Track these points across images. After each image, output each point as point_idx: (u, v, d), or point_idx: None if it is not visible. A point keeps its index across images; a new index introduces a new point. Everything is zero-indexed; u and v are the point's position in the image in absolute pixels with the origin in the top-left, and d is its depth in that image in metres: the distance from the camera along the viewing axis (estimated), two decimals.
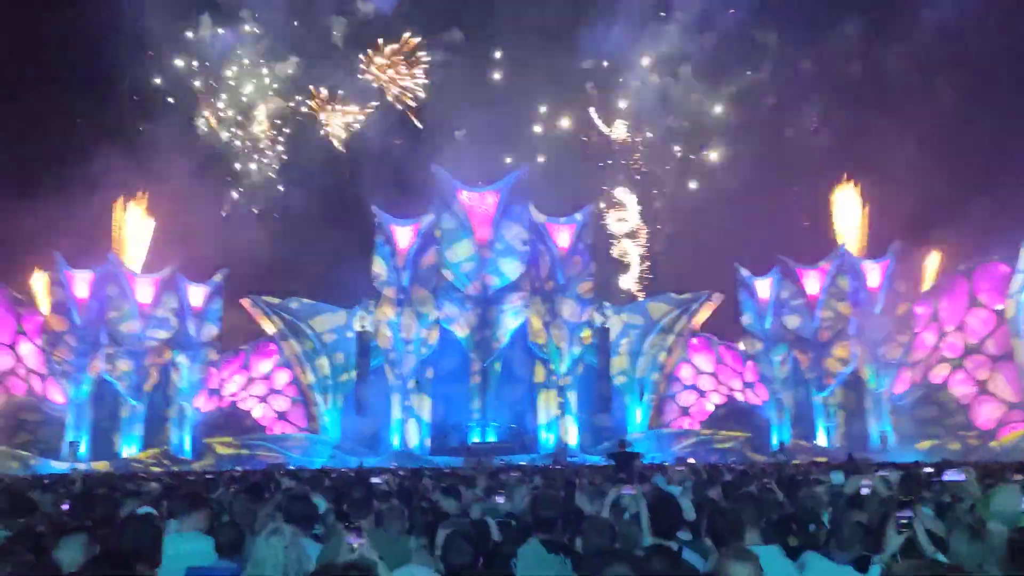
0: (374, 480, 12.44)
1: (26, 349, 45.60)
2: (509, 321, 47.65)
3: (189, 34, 48.84)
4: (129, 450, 45.50)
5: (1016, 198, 43.03)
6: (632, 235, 55.23)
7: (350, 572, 3.63)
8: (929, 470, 14.30)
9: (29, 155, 46.98)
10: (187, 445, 47.16)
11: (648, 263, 55.42)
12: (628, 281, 54.38)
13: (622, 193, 53.57)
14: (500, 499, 8.99)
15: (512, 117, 53.24)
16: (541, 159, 51.69)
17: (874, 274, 48.08)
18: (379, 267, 48.08)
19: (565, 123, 56.46)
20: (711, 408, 51.41)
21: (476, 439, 45.90)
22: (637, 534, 5.72)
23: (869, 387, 47.59)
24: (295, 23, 51.81)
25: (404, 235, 48.58)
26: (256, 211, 51.75)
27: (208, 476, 20.84)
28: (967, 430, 45.14)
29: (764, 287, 49.61)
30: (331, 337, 49.73)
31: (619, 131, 51.52)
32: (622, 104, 53.71)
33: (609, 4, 50.90)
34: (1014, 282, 43.95)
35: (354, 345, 48.23)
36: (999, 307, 45.09)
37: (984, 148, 46.48)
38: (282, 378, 50.78)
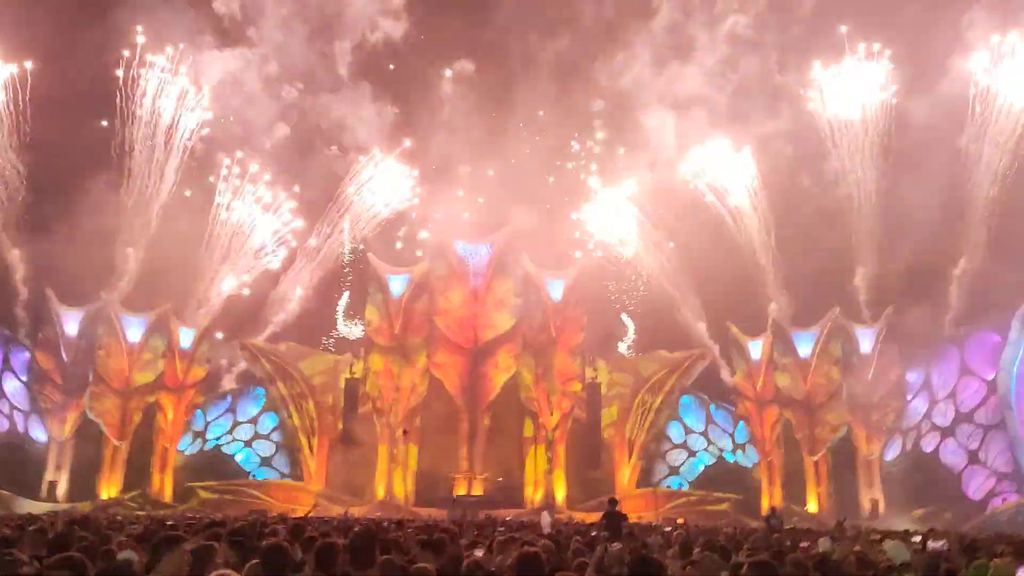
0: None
1: (11, 385, 45.10)
2: (500, 373, 47.40)
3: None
4: (110, 492, 44.72)
5: (1009, 268, 43.46)
6: (627, 292, 55.33)
7: None
8: (917, 539, 14.15)
9: (24, 189, 47.10)
10: (168, 488, 46.39)
11: (641, 320, 55.42)
12: (623, 340, 54.23)
13: (621, 247, 53.82)
14: (479, 552, 8.83)
15: (511, 167, 53.68)
16: (538, 210, 52.01)
17: (866, 339, 48.18)
18: (371, 314, 48.13)
19: (565, 172, 57.02)
20: (701, 468, 50.97)
21: (462, 492, 45.24)
22: None
23: (860, 453, 47.29)
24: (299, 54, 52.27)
25: (397, 283, 48.70)
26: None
27: (190, 520, 20.44)
28: (958, 499, 44.76)
29: (756, 348, 49.62)
30: (320, 382, 49.38)
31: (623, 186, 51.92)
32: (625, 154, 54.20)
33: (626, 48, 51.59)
34: (1006, 354, 44.14)
35: (342, 392, 47.89)
36: (990, 377, 45.16)
37: (977, 217, 47.05)
38: (267, 423, 50.26)
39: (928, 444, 47.16)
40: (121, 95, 47.39)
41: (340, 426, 47.75)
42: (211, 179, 50.46)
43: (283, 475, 48.80)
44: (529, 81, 54.22)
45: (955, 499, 44.84)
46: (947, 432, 46.69)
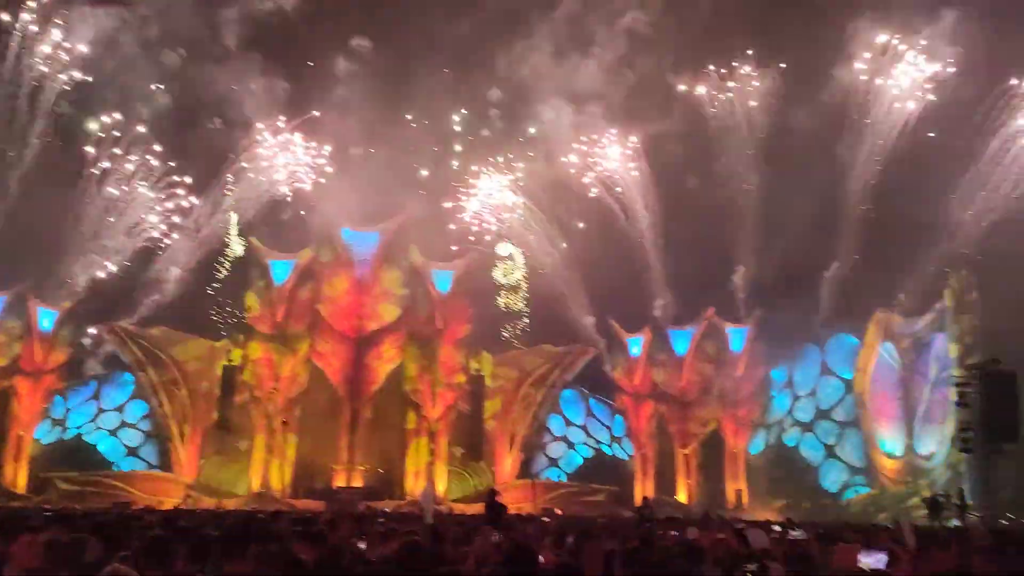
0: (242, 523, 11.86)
1: None
2: (384, 364, 46.88)
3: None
4: None
5: (873, 275, 46.76)
6: (515, 288, 55.83)
7: None
8: (777, 528, 15.04)
9: None
10: (22, 479, 43.45)
11: (527, 315, 56.12)
12: (508, 332, 54.75)
13: (508, 245, 54.12)
14: (362, 545, 8.77)
15: (405, 156, 52.78)
16: (429, 202, 51.49)
17: (737, 338, 50.60)
18: (252, 300, 46.48)
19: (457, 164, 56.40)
20: (579, 461, 52.24)
21: (342, 483, 44.56)
22: None
23: (727, 446, 49.69)
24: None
25: (280, 269, 47.30)
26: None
27: (47, 513, 19.27)
28: (815, 491, 47.86)
29: (636, 344, 51.24)
30: (194, 369, 47.36)
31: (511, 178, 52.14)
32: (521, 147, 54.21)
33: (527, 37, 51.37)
34: (861, 356, 47.53)
35: (218, 379, 46.17)
36: (848, 376, 48.50)
37: (849, 223, 50.21)
38: (135, 411, 47.84)
39: (790, 439, 50.26)
40: None
41: (215, 415, 46.03)
42: (86, 148, 47.20)
43: (151, 466, 46.61)
44: (427, 64, 53.38)
45: (813, 491, 47.98)
46: (807, 428, 49.91)
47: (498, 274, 54.97)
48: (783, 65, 49.37)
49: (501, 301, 55.50)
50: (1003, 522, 36.02)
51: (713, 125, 51.67)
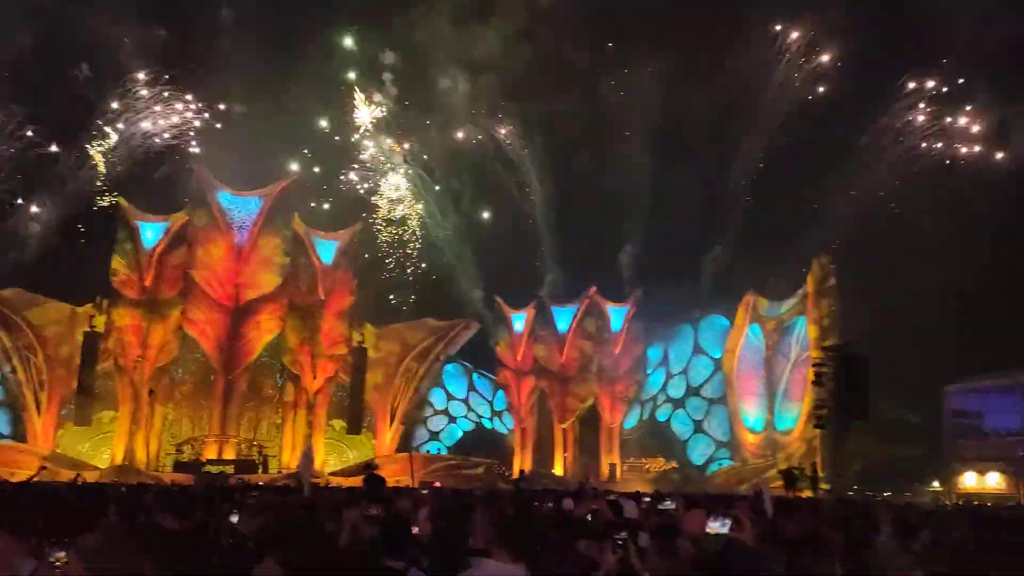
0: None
1: None
2: (262, 334, 45.39)
3: None
4: None
5: (740, 258, 49.10)
6: (400, 258, 55.24)
7: None
8: (648, 499, 15.67)
9: None
10: None
11: (411, 288, 55.77)
12: (393, 303, 54.23)
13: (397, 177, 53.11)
14: (234, 518, 8.52)
15: (289, 117, 50.76)
16: (316, 168, 49.91)
17: (617, 317, 52.05)
18: (118, 263, 43.79)
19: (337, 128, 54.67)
20: (460, 434, 52.62)
21: (212, 456, 43.08)
22: (376, 554, 5.69)
23: (604, 421, 51.22)
24: None
25: (151, 232, 44.86)
26: None
27: None
28: (684, 464, 50.12)
29: (520, 320, 51.85)
30: (53, 333, 44.42)
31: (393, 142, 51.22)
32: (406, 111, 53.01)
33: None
34: (731, 337, 49.89)
35: (79, 346, 43.48)
36: (718, 356, 50.86)
37: (715, 206, 52.42)
38: None
39: (662, 414, 52.38)
40: None
41: (75, 384, 43.40)
42: None
43: (2, 436, 43.58)
44: (320, 21, 51.24)
45: (681, 464, 50.23)
46: (678, 404, 52.12)
47: (383, 202, 53.33)
48: (677, 53, 50.58)
49: (384, 233, 53.89)
50: (850, 494, 38.84)
51: (609, 106, 52.09)
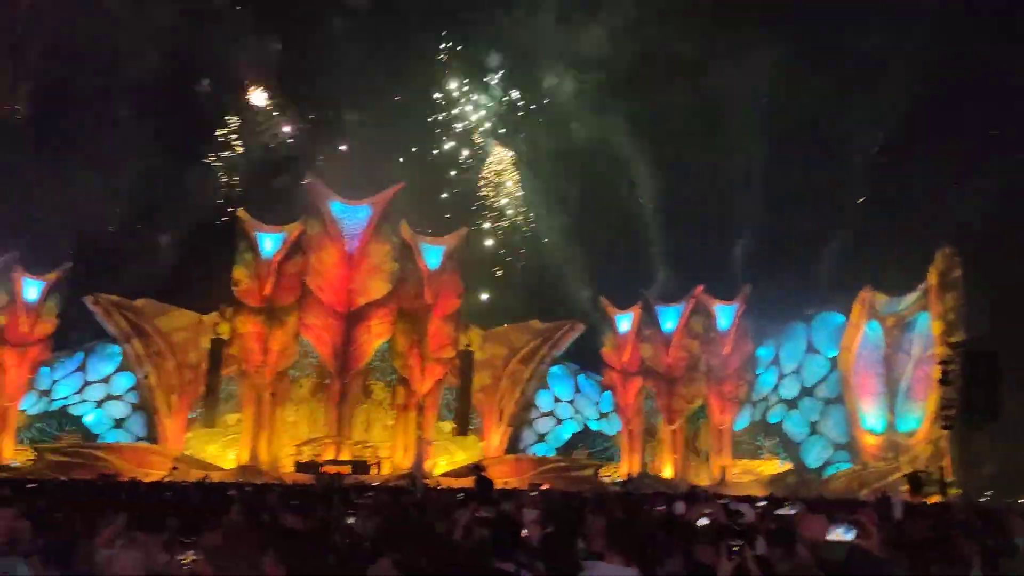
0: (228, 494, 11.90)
1: None
2: (373, 338, 46.81)
3: None
4: None
5: (856, 252, 46.96)
6: (508, 260, 55.62)
7: None
8: (763, 503, 15.22)
9: None
10: (8, 450, 43.36)
11: (515, 290, 56.15)
12: (496, 306, 54.74)
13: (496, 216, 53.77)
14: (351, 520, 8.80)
15: (395, 130, 51.90)
16: (419, 176, 50.87)
17: (725, 316, 50.80)
18: (240, 273, 46.07)
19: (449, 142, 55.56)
20: (567, 436, 52.63)
21: (331, 457, 44.68)
22: (486, 555, 5.75)
23: (713, 422, 50.08)
24: None
25: (270, 242, 46.96)
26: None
27: (31, 484, 19.25)
28: (799, 467, 48.41)
29: (626, 321, 51.39)
30: (181, 341, 47.22)
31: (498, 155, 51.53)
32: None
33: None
34: (847, 334, 47.89)
35: (206, 352, 45.99)
36: (832, 354, 48.92)
37: (829, 200, 50.25)
38: (122, 383, 47.74)
39: (774, 415, 50.76)
40: None
41: (203, 388, 45.92)
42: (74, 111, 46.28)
43: (138, 438, 46.57)
44: (426, 24, 51.79)
45: (796, 467, 48.53)
46: (792, 405, 50.39)
47: (490, 204, 53.17)
48: (790, 38, 48.17)
49: (492, 235, 53.60)
50: (983, 499, 36.56)
51: (719, 96, 50.08)
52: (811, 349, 50.48)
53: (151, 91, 48.04)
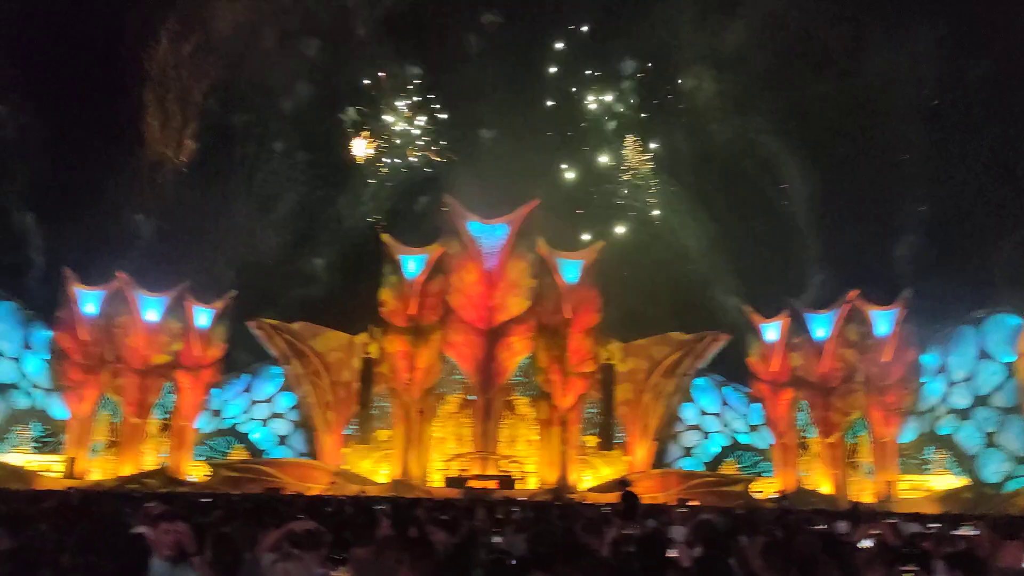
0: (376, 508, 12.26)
1: (32, 364, 45.67)
2: (514, 354, 47.31)
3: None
4: (128, 468, 45.27)
5: None
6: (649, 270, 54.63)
7: None
8: (936, 523, 14.03)
9: (45, 172, 47.28)
10: (186, 466, 46.90)
11: (655, 301, 55.11)
12: (636, 318, 53.91)
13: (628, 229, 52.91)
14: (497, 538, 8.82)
15: (529, 149, 52.34)
16: (559, 187, 51.08)
17: (883, 322, 47.74)
18: (386, 294, 47.92)
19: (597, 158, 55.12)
20: (715, 450, 51.01)
21: (476, 472, 45.40)
22: (635, 572, 5.58)
23: (875, 435, 47.03)
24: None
25: (413, 264, 48.52)
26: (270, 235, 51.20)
27: (205, 499, 20.62)
28: (976, 482, 44.53)
29: (772, 330, 49.33)
30: (334, 361, 49.56)
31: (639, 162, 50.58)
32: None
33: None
34: (1023, 339, 43.65)
35: (357, 371, 48.03)
36: (1009, 360, 44.72)
37: (998, 198, 46.13)
38: (284, 402, 50.63)
39: (944, 427, 46.94)
40: (129, 51, 46.53)
41: (356, 406, 47.91)
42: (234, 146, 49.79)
43: (300, 454, 49.11)
44: (561, 35, 51.34)
45: (973, 482, 44.62)
46: (964, 415, 46.40)
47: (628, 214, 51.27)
48: (950, 17, 44.26)
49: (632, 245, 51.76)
50: None
51: (873, 86, 46.57)
52: (983, 355, 46.34)
53: (300, 123, 50.96)
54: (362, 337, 48.85)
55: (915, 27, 45.50)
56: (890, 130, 46.99)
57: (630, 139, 52.40)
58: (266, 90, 49.97)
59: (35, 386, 45.54)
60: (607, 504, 26.33)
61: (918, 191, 46.04)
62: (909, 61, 46.01)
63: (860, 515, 12.96)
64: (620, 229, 52.43)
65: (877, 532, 7.67)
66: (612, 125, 53.31)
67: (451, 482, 44.18)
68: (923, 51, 45.54)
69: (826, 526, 11.00)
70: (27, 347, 45.68)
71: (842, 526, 9.89)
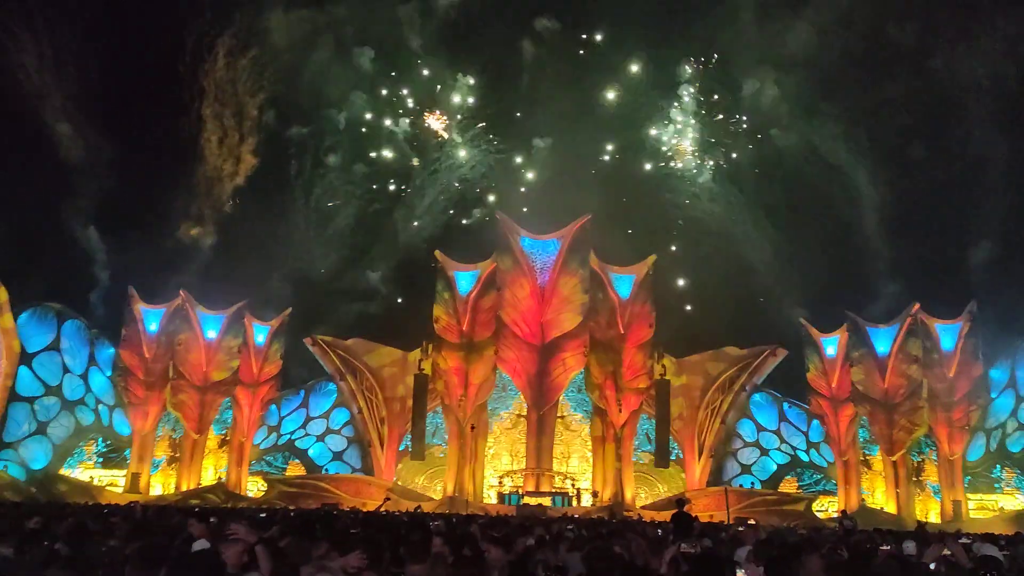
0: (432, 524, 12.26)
1: (97, 380, 47.09)
2: (567, 370, 47.00)
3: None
4: (189, 483, 46.26)
5: None
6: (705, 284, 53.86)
7: None
8: (1008, 543, 13.44)
9: (109, 191, 49.10)
10: (244, 480, 47.72)
11: (711, 315, 54.30)
12: (690, 333, 53.22)
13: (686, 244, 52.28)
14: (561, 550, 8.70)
15: (580, 164, 52.23)
16: (606, 207, 50.78)
17: (948, 336, 46.24)
18: (439, 311, 48.13)
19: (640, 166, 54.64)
20: (773, 467, 49.90)
21: (531, 487, 45.19)
22: None
23: (941, 452, 45.45)
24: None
25: (465, 280, 48.73)
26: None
27: (262, 515, 20.90)
28: None
29: (831, 344, 48.17)
30: (388, 376, 49.95)
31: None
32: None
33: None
34: None
35: (410, 388, 48.32)
36: None
37: None
38: (339, 418, 51.19)
39: (1015, 443, 45.07)
40: (186, 67, 48.04)
41: (409, 422, 48.17)
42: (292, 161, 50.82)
43: (355, 469, 49.55)
44: (616, 40, 51.00)
45: None
46: None
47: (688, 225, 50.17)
48: None
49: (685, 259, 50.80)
50: None
51: (947, 85, 44.80)
52: None
53: (354, 137, 52.04)
54: (416, 353, 49.21)
55: (992, 24, 43.80)
56: (960, 136, 45.30)
57: (685, 146, 51.65)
58: (322, 103, 51.28)
59: (100, 402, 46.91)
60: (663, 522, 25.92)
61: (986, 200, 44.37)
62: (986, 60, 44.31)
63: (927, 536, 12.47)
64: (675, 243, 51.76)
65: (947, 553, 7.37)
66: (670, 135, 52.42)
67: (505, 498, 44.04)
68: (1000, 49, 43.84)
69: (890, 547, 10.62)
70: (92, 364, 47.12)
71: (909, 546, 9.53)
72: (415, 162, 52.83)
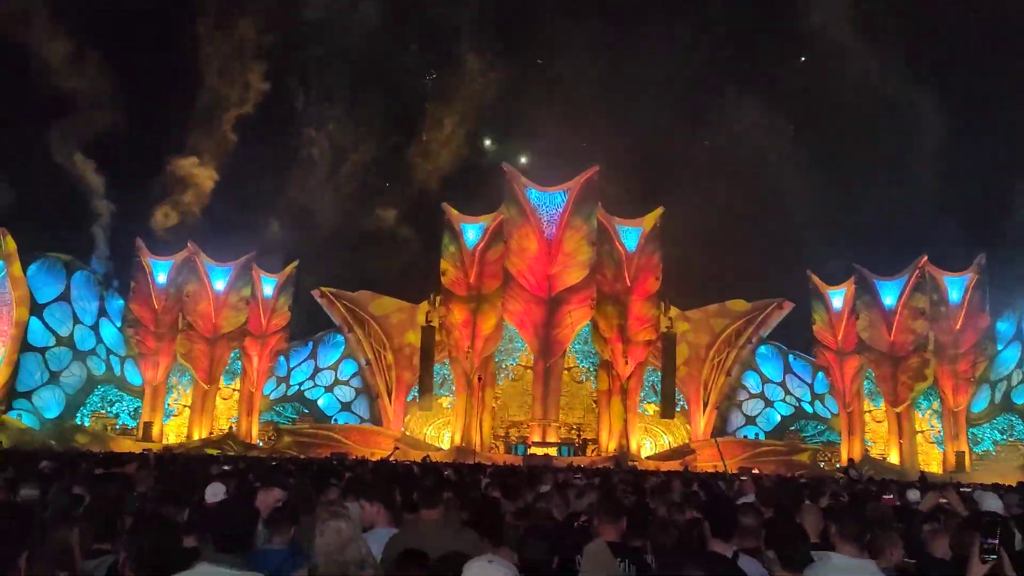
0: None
1: (108, 331, 47.55)
2: (574, 322, 47.13)
3: None
4: (200, 433, 47.01)
5: None
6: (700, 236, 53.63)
7: (449, 561, 3.64)
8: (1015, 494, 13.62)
9: (115, 142, 49.07)
10: (254, 430, 48.43)
11: (717, 267, 54.12)
12: (698, 285, 53.07)
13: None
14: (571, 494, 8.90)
15: (587, 115, 51.81)
16: (613, 158, 50.32)
17: (955, 288, 46.18)
18: (446, 264, 48.14)
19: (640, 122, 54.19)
20: (777, 419, 50.35)
21: (537, 439, 45.79)
22: (702, 536, 5.58)
23: (946, 404, 45.76)
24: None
25: (472, 232, 48.62)
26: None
27: (273, 462, 21.31)
28: None
29: (838, 297, 48.18)
30: (396, 329, 50.23)
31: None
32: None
33: None
34: None
35: (418, 339, 48.61)
36: None
37: None
38: (347, 369, 51.64)
39: (1020, 395, 45.32)
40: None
41: (417, 372, 48.58)
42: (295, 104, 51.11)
43: (363, 420, 50.17)
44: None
45: None
46: None
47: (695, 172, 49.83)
48: None
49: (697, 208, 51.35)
50: None
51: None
52: None
53: (365, 90, 52.02)
54: (423, 305, 49.36)
55: None
56: (966, 78, 44.73)
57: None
58: (329, 30, 51.58)
59: (111, 352, 47.43)
60: (669, 471, 26.31)
61: (991, 151, 44.09)
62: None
63: (931, 485, 12.66)
64: (682, 194, 51.36)
65: (947, 501, 7.50)
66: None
67: (511, 449, 44.66)
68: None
69: (895, 495, 10.80)
70: (103, 315, 47.53)
71: (913, 494, 9.70)
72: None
